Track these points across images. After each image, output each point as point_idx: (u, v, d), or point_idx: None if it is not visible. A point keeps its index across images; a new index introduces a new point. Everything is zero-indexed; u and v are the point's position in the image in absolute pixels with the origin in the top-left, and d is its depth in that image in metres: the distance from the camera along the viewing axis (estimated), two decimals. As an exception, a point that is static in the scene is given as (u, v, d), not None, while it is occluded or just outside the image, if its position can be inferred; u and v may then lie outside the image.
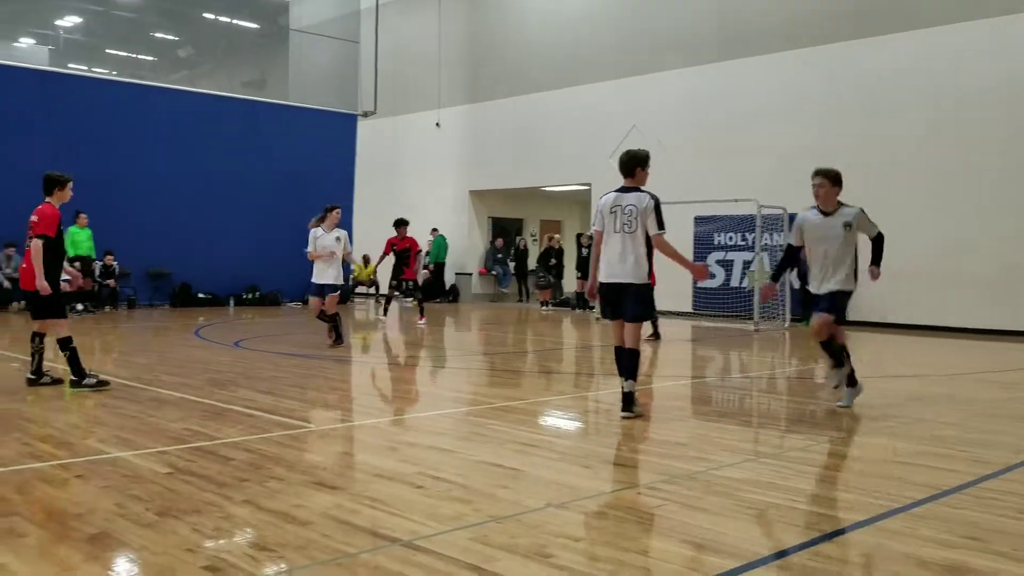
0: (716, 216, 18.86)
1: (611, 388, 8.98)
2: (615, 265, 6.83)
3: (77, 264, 17.34)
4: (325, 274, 11.90)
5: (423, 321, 16.08)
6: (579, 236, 21.81)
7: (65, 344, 7.88)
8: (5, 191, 16.96)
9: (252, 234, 21.23)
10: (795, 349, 13.51)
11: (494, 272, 24.85)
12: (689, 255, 19.03)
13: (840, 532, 4.07)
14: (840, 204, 7.32)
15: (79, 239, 17.69)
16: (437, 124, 24.90)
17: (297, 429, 6.31)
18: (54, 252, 7.86)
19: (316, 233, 11.86)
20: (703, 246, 19.16)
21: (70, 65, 22.47)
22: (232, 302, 20.95)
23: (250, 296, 21.38)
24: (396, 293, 16.52)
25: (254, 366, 9.98)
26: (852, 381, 7.47)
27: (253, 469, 5.08)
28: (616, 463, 5.41)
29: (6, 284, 17.48)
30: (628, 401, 6.84)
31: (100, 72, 23.62)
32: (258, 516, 4.18)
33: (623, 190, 7.03)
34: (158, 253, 19.81)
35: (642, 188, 7.01)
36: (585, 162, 21.33)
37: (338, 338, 11.99)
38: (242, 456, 5.40)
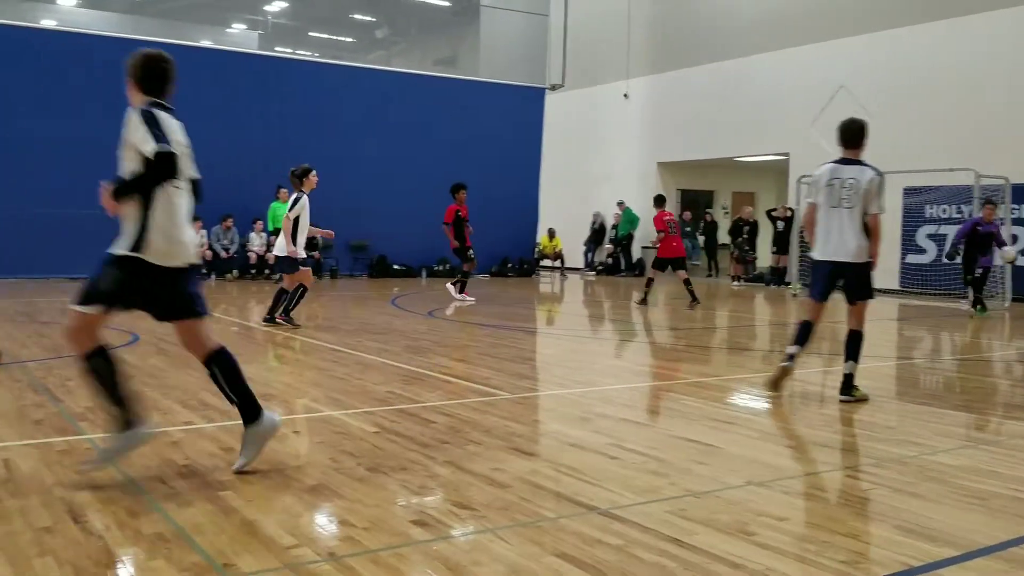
0: (928, 187, 17.72)
1: (810, 367, 8.67)
2: (835, 243, 6.48)
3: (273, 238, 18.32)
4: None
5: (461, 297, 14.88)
6: (770, 212, 21.07)
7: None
8: (222, 169, 18.29)
9: (442, 208, 21.79)
10: (1017, 330, 12.54)
11: (682, 246, 24.44)
12: (897, 229, 18.07)
13: (1073, 527, 3.77)
14: None
15: (279, 213, 18.73)
16: (625, 95, 24.68)
17: (492, 396, 6.47)
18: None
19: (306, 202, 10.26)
20: (913, 219, 18.08)
21: (277, 48, 23.81)
22: (424, 273, 21.70)
23: (441, 268, 22.05)
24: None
25: (448, 335, 10.30)
26: None
27: (453, 432, 5.26)
28: (820, 444, 5.23)
29: (223, 254, 18.86)
30: (848, 384, 6.55)
31: (304, 54, 24.87)
32: (460, 476, 4.32)
33: (843, 162, 6.60)
34: (358, 226, 20.76)
35: (865, 162, 6.58)
36: (783, 131, 20.56)
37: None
38: (442, 419, 5.60)
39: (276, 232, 17.94)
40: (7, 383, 6.49)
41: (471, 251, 15.08)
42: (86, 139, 17.54)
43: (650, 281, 15.11)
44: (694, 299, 14.45)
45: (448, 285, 15.07)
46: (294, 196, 10.27)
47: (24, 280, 16.83)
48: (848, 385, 6.51)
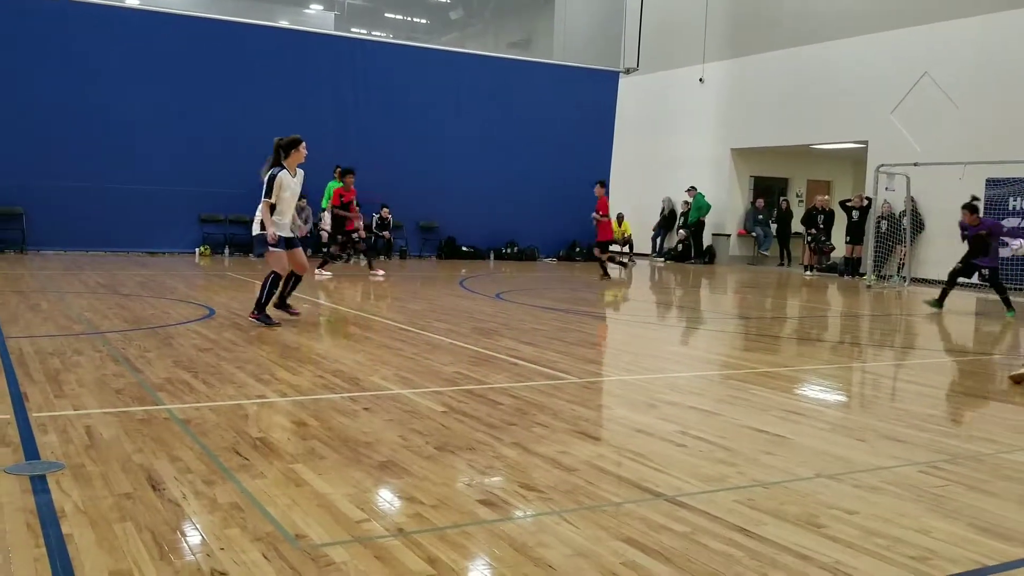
0: (1013, 179, 17.13)
1: (884, 360, 8.51)
2: None
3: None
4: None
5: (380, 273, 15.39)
6: (844, 201, 20.57)
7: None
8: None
9: (512, 191, 21.90)
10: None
11: (754, 234, 24.05)
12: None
13: None
14: None
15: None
16: (700, 79, 24.33)
17: (559, 380, 6.48)
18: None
19: (286, 179, 8.60)
20: (995, 213, 17.50)
21: (352, 29, 24.02)
22: (492, 255, 21.78)
23: (509, 250, 22.11)
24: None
25: (515, 317, 10.33)
26: None
27: (519, 414, 5.29)
28: (893, 438, 5.12)
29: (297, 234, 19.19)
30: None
31: (379, 35, 25.06)
32: (526, 458, 4.35)
33: None
34: (427, 208, 20.95)
35: None
36: (862, 118, 20.06)
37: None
38: (508, 401, 5.64)
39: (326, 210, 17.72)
40: (88, 353, 6.73)
41: (356, 234, 15.51)
42: (167, 116, 18.04)
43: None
44: (605, 273, 16.87)
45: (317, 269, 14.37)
46: (270, 173, 8.53)
47: (106, 253, 17.38)
48: None
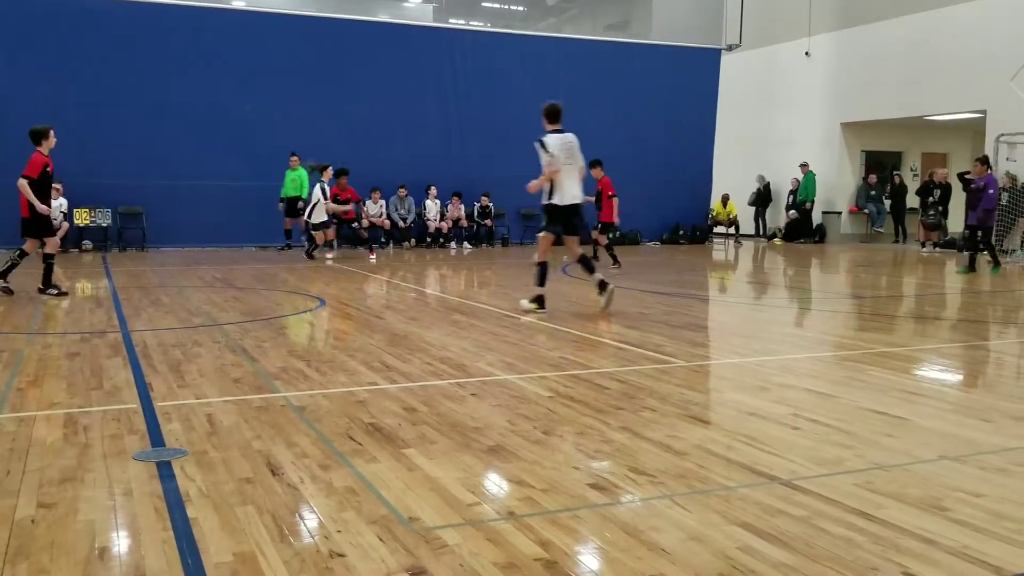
0: None
1: (1008, 338, 8.13)
2: None
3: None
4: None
5: (374, 256, 16.13)
6: (962, 174, 19.68)
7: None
8: (398, 140, 18.99)
9: (613, 174, 21.59)
10: None
11: (867, 210, 23.22)
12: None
13: None
14: None
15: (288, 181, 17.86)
16: (806, 53, 23.60)
17: (665, 363, 6.40)
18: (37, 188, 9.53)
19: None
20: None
21: (451, 20, 24.19)
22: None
23: (611, 235, 21.89)
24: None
25: (619, 302, 10.23)
26: None
27: (627, 398, 5.25)
28: (1020, 418, 4.88)
29: (400, 224, 19.50)
30: None
31: (477, 25, 25.16)
32: (635, 442, 4.31)
33: None
34: (527, 195, 20.88)
35: None
36: (980, 86, 19.11)
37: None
38: (615, 386, 5.60)
39: (286, 200, 17.79)
40: (207, 344, 6.99)
41: (356, 223, 16.91)
42: (274, 113, 18.55)
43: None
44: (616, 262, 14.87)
45: None
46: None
47: (220, 248, 18.01)
48: None
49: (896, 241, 22.43)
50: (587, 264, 9.18)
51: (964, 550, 3.01)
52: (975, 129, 21.10)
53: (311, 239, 16.24)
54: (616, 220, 15.24)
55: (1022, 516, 3.34)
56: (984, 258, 14.38)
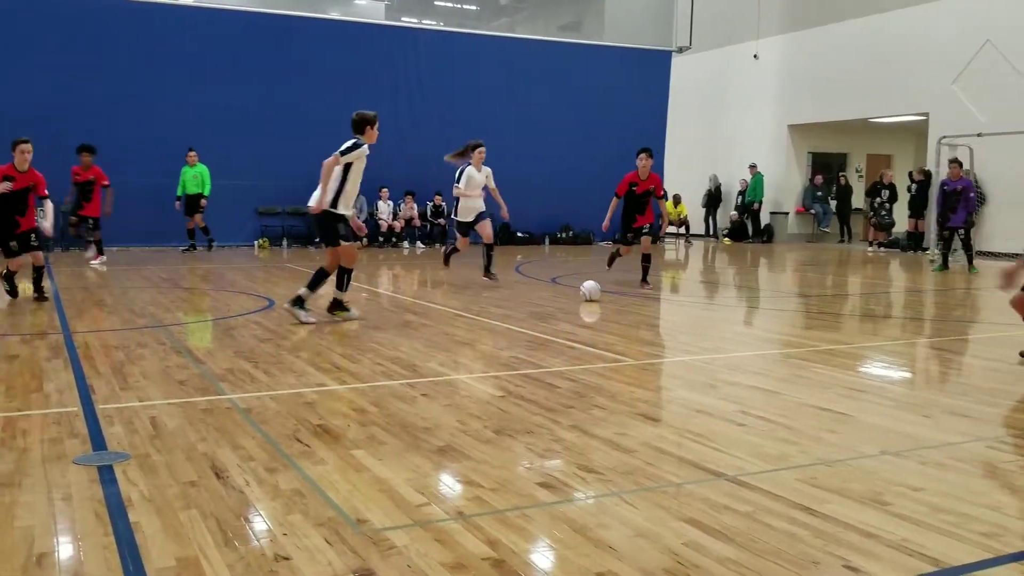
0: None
1: (949, 335, 8.31)
2: None
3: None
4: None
5: (97, 261, 14.26)
6: (910, 173, 20.12)
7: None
8: (344, 138, 18.76)
9: (566, 175, 21.78)
10: None
11: (813, 211, 23.61)
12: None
13: None
14: None
15: (187, 179, 17.07)
16: (755, 56, 23.92)
17: (616, 362, 6.44)
18: None
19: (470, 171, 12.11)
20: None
21: (403, 18, 24.08)
22: (547, 240, 21.73)
23: (564, 235, 22.03)
24: (76, 230, 14.86)
25: (572, 301, 10.29)
26: None
27: (577, 397, 5.27)
28: (960, 413, 4.99)
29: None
30: None
31: (430, 24, 25.08)
32: (585, 441, 4.33)
33: None
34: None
35: None
36: (923, 90, 19.54)
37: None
38: (566, 385, 5.62)
39: (182, 198, 16.94)
40: (152, 346, 6.87)
41: (90, 219, 14.43)
42: (221, 112, 18.30)
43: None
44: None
45: None
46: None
47: (167, 248, 17.72)
48: None
49: (841, 241, 22.85)
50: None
51: (903, 543, 3.08)
52: (918, 131, 21.56)
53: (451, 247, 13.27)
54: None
55: (960, 509, 3.42)
56: (952, 257, 14.65)
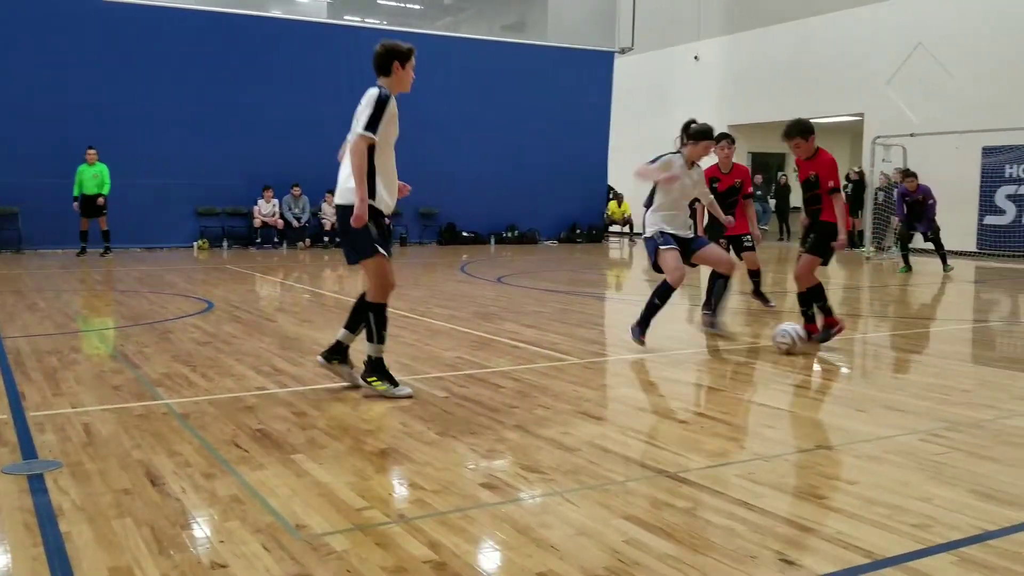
0: (1008, 146, 17.06)
1: (884, 331, 8.48)
2: None
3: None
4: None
5: None
6: (847, 174, 20.52)
7: None
8: (293, 138, 18.60)
9: (511, 175, 21.83)
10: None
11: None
12: (975, 189, 17.56)
13: None
14: None
15: (85, 177, 16.25)
16: (695, 57, 24.22)
17: (560, 361, 6.46)
18: None
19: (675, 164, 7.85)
20: (991, 180, 17.46)
21: (345, 17, 23.88)
22: (493, 240, 21.74)
23: (509, 234, 22.07)
24: None
25: (517, 301, 10.31)
26: None
27: (521, 397, 5.28)
28: (893, 408, 5.10)
29: (295, 223, 19.17)
30: None
31: (373, 22, 24.91)
32: (528, 440, 4.34)
33: None
34: (427, 194, 20.81)
35: None
36: (858, 91, 19.97)
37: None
38: (511, 384, 5.62)
39: (81, 199, 16.60)
40: (86, 351, 6.71)
41: None
42: (159, 110, 17.95)
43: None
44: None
45: None
46: None
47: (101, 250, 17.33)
48: None
49: (780, 239, 23.25)
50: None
51: (838, 536, 3.13)
52: (854, 131, 22.03)
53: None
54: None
55: (893, 501, 3.49)
56: (908, 256, 14.75)
